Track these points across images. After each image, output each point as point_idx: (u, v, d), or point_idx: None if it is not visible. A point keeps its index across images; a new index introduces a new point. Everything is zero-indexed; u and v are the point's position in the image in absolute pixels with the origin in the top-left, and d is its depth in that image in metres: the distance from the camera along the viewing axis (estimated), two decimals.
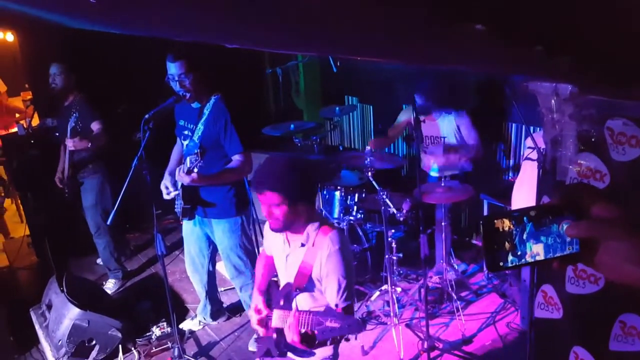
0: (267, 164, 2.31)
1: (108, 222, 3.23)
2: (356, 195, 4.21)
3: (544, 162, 2.58)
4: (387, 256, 3.84)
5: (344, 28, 0.81)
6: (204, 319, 4.11)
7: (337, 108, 4.83)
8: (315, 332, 2.07)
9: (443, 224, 4.05)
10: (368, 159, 3.83)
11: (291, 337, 2.15)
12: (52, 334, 3.69)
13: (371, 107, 6.01)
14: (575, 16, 0.71)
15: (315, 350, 2.37)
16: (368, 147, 3.96)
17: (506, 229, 0.79)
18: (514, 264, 0.80)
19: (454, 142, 4.28)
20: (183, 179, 3.16)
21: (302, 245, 2.36)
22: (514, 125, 4.62)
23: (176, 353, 3.56)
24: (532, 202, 2.89)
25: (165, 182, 3.41)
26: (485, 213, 4.37)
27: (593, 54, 0.84)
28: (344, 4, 0.68)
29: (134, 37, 3.08)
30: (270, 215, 2.29)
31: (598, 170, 2.13)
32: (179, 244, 5.11)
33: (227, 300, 4.37)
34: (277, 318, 2.38)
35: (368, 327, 3.90)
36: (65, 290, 3.76)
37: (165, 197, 3.39)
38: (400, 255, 3.99)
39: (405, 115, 4.56)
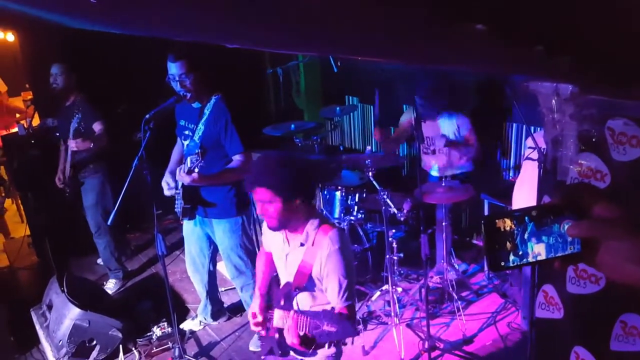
0: (258, 161, 2.31)
1: (109, 222, 3.23)
2: (357, 195, 4.21)
3: (544, 162, 2.58)
4: (387, 256, 3.84)
5: (344, 28, 0.81)
6: (205, 319, 4.11)
7: (338, 108, 4.83)
8: (314, 335, 2.08)
9: (444, 223, 4.04)
10: (368, 160, 3.84)
11: (290, 339, 2.16)
12: (52, 334, 3.70)
13: (372, 107, 6.01)
14: (575, 16, 0.70)
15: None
16: (368, 148, 3.96)
17: (507, 228, 0.79)
18: (515, 264, 0.80)
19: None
20: (184, 178, 3.16)
21: (302, 244, 2.35)
22: (514, 125, 4.62)
23: (177, 353, 3.56)
24: (532, 202, 2.89)
25: (166, 178, 3.41)
26: (485, 213, 4.36)
27: (593, 53, 0.84)
28: (344, 4, 0.68)
29: (134, 37, 3.08)
30: (265, 212, 2.27)
31: (599, 170, 2.13)
32: (179, 244, 5.11)
33: (227, 300, 4.37)
34: (278, 318, 2.38)
35: (369, 327, 3.90)
36: (65, 290, 3.76)
37: (166, 192, 3.38)
38: (401, 255, 3.98)
39: (407, 116, 4.56)
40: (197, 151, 3.14)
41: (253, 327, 2.47)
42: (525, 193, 3.31)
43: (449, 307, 4.02)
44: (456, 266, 4.35)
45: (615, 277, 0.76)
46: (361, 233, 4.23)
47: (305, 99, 6.72)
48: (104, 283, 4.83)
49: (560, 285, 2.39)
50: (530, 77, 2.17)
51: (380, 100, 3.92)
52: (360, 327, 3.82)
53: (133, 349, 3.86)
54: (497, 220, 0.79)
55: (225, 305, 4.24)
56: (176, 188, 3.36)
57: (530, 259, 0.80)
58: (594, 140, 2.13)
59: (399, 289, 3.95)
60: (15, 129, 5.64)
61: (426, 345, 3.49)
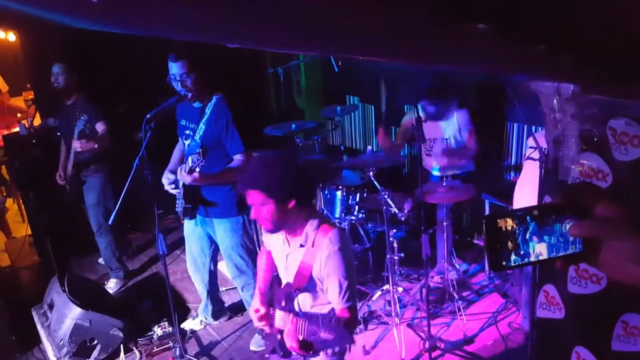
0: (251, 163, 2.30)
1: (109, 222, 3.23)
2: (358, 195, 4.21)
3: (546, 161, 2.58)
4: (388, 256, 3.84)
5: (345, 27, 0.80)
6: (206, 318, 4.12)
7: (339, 108, 4.83)
8: (311, 341, 2.08)
9: (444, 223, 4.04)
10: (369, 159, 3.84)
11: (290, 343, 2.15)
12: (53, 333, 3.70)
13: (372, 106, 6.01)
14: (576, 15, 0.70)
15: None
16: (369, 147, 3.95)
17: (509, 228, 0.79)
18: (517, 264, 0.80)
19: (455, 143, 4.28)
20: (185, 178, 3.16)
21: (302, 245, 2.33)
22: (515, 125, 4.62)
23: (178, 353, 3.56)
24: (533, 202, 2.89)
25: (167, 174, 3.41)
26: (487, 213, 4.36)
27: (595, 53, 0.84)
28: (344, 3, 0.68)
29: (135, 36, 3.08)
30: (259, 216, 2.22)
31: (600, 170, 2.13)
32: (180, 244, 5.11)
33: (228, 299, 4.37)
34: (279, 319, 2.37)
35: (370, 326, 3.90)
36: (66, 289, 3.76)
37: (167, 187, 3.38)
38: (402, 255, 3.98)
39: (409, 117, 4.56)
40: (198, 151, 3.14)
41: (256, 323, 2.45)
42: (526, 193, 3.31)
43: (450, 307, 4.02)
44: (457, 266, 4.35)
45: (616, 277, 0.76)
46: (362, 233, 4.23)
47: (306, 98, 6.72)
48: (105, 282, 4.83)
49: (562, 285, 2.39)
50: (531, 77, 2.17)
51: (381, 100, 3.93)
52: (361, 326, 3.82)
53: (134, 348, 3.86)
54: (498, 220, 0.79)
55: (226, 305, 4.25)
56: (177, 187, 3.36)
57: (532, 259, 0.80)
58: (595, 140, 2.12)
59: (400, 289, 3.94)
60: (17, 129, 5.64)
61: (427, 345, 3.49)
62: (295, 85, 6.78)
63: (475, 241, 4.99)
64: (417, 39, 0.85)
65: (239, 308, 4.22)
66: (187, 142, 3.39)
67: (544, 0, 0.68)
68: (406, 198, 3.93)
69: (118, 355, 3.77)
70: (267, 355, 2.57)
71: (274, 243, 2.50)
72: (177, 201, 3.41)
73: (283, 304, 2.36)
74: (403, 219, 3.87)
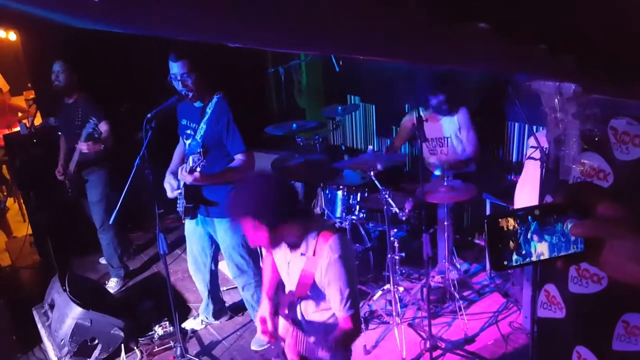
0: (236, 191, 2.26)
1: (110, 221, 3.23)
2: (358, 194, 4.21)
3: (547, 161, 2.58)
4: (389, 255, 3.83)
5: (345, 27, 0.80)
6: (207, 318, 4.12)
7: (340, 107, 4.83)
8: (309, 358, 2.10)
9: (445, 223, 4.04)
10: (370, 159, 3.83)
11: (290, 356, 2.18)
12: (54, 333, 3.70)
13: (373, 106, 6.01)
14: (576, 15, 0.70)
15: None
16: (370, 147, 3.95)
17: (511, 228, 0.79)
18: (518, 263, 0.80)
19: (456, 142, 4.29)
20: (185, 178, 3.16)
21: (302, 254, 2.31)
22: (516, 124, 4.61)
23: (178, 352, 3.56)
24: (534, 202, 2.89)
25: (169, 180, 3.42)
26: (487, 212, 4.36)
27: (596, 52, 0.84)
28: (344, 3, 0.68)
29: (136, 36, 3.08)
30: (255, 241, 2.22)
31: (601, 169, 2.13)
32: (181, 243, 5.12)
33: (229, 299, 4.37)
34: (282, 327, 2.37)
35: (370, 326, 3.90)
36: (67, 289, 3.76)
37: (169, 194, 3.39)
38: (403, 254, 3.98)
39: (408, 118, 4.57)
40: (199, 150, 3.14)
41: (261, 335, 2.43)
42: (527, 192, 3.31)
43: (451, 306, 4.02)
44: (458, 265, 4.35)
45: (617, 277, 0.76)
46: (363, 232, 4.23)
47: (307, 98, 6.72)
48: (106, 282, 4.84)
49: (562, 284, 2.39)
50: (532, 77, 2.17)
51: (382, 99, 3.93)
52: (362, 326, 3.82)
53: (135, 348, 3.87)
54: (500, 220, 0.79)
55: (227, 305, 4.25)
56: (178, 187, 3.36)
57: (534, 259, 0.80)
58: (596, 139, 2.12)
59: (401, 289, 3.95)
60: (18, 128, 5.64)
61: (428, 345, 3.49)
62: (296, 84, 6.77)
63: (476, 241, 4.99)
64: (417, 39, 0.85)
65: (239, 307, 4.22)
66: (188, 142, 3.39)
67: (545, 0, 0.68)
68: (407, 198, 3.93)
69: (119, 355, 3.77)
70: (273, 359, 2.57)
71: (276, 249, 2.48)
72: (178, 201, 3.41)
73: (286, 311, 2.36)
74: (404, 218, 3.87)
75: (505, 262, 0.80)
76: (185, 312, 4.34)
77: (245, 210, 2.15)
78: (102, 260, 5.19)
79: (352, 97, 6.26)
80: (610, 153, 2.07)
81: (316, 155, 4.57)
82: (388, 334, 3.77)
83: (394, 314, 3.73)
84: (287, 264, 2.38)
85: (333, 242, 2.22)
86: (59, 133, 4.70)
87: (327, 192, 4.33)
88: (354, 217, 4.16)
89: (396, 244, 3.92)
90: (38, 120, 5.51)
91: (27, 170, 5.29)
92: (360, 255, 4.17)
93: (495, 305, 4.03)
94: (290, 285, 2.40)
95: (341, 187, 4.25)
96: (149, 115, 3.05)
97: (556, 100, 2.17)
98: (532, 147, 3.01)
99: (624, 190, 2.07)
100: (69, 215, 5.06)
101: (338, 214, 4.21)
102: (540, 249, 0.79)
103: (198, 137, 3.29)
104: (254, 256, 3.61)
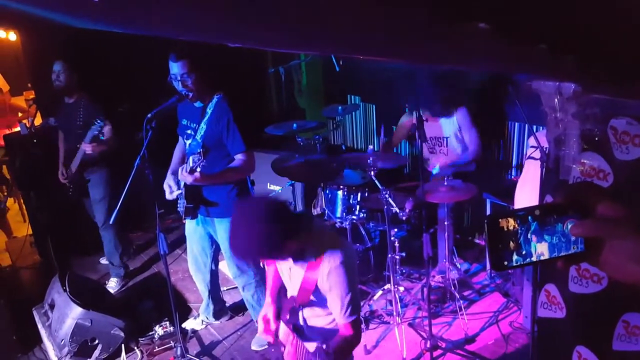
0: (233, 222, 2.19)
1: (111, 221, 3.24)
2: (359, 194, 4.21)
3: (547, 161, 2.58)
4: (389, 255, 3.83)
5: (345, 27, 0.80)
6: (207, 318, 4.12)
7: (340, 107, 4.83)
8: None
9: (446, 223, 4.04)
10: (371, 158, 3.83)
11: None
12: (54, 333, 3.70)
13: (374, 106, 6.01)
14: (576, 15, 0.70)
15: None
16: (370, 147, 3.95)
17: (511, 228, 0.79)
18: (519, 263, 0.80)
19: (455, 142, 4.28)
20: (186, 178, 3.16)
21: (304, 261, 2.28)
22: (516, 124, 4.61)
23: (179, 352, 3.56)
24: (535, 202, 2.89)
25: (169, 181, 3.42)
26: (488, 212, 4.36)
27: (596, 52, 0.84)
28: (345, 3, 0.68)
29: (136, 36, 3.08)
30: (265, 263, 2.28)
31: (601, 169, 2.13)
32: (181, 243, 5.12)
33: (229, 299, 4.37)
34: (283, 333, 2.36)
35: (371, 326, 3.90)
36: (67, 289, 3.76)
37: (168, 196, 3.40)
38: (403, 254, 3.98)
39: (407, 118, 4.56)
40: (199, 150, 3.14)
41: (262, 334, 2.42)
42: (527, 192, 3.31)
43: (451, 306, 4.02)
44: (458, 265, 4.34)
45: (618, 277, 0.76)
46: (363, 232, 4.23)
47: (307, 98, 6.72)
48: (106, 282, 4.84)
49: (563, 284, 2.39)
50: (532, 76, 2.17)
51: (382, 99, 3.93)
52: (363, 326, 3.82)
53: (135, 348, 3.87)
54: (500, 220, 0.79)
55: (227, 305, 4.25)
56: (178, 188, 3.36)
57: (534, 259, 0.80)
58: (596, 139, 2.12)
59: (401, 288, 3.95)
60: (18, 128, 5.64)
61: (428, 345, 3.49)
62: (297, 84, 6.77)
63: (477, 240, 4.99)
64: (417, 39, 0.85)
65: (240, 308, 4.22)
66: (188, 142, 3.39)
67: (545, 0, 0.68)
68: (407, 197, 3.93)
69: (119, 355, 3.77)
70: None
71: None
72: (178, 201, 3.41)
73: (287, 317, 2.35)
74: (404, 218, 3.87)
75: (506, 263, 0.80)
76: (185, 312, 4.34)
77: (245, 253, 2.16)
78: (103, 260, 5.20)
79: (353, 97, 6.26)
80: (610, 153, 2.07)
81: (316, 155, 4.57)
82: (388, 334, 3.77)
83: (395, 313, 3.73)
84: (289, 270, 2.37)
85: (335, 247, 2.21)
86: (60, 132, 4.71)
87: (327, 192, 4.33)
88: (354, 217, 4.16)
89: (396, 244, 3.92)
90: (38, 121, 5.51)
91: (27, 170, 5.29)
92: (361, 255, 4.17)
93: (495, 305, 4.03)
94: (292, 291, 2.39)
95: (341, 187, 4.25)
96: (149, 115, 3.05)
97: (556, 100, 2.17)
98: (532, 146, 3.01)
99: (624, 190, 2.07)
100: (69, 215, 5.06)
101: (338, 214, 4.22)
102: (541, 249, 0.79)
103: (198, 137, 3.29)
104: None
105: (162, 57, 3.21)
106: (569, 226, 0.78)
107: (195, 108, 3.35)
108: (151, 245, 5.60)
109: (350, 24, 0.78)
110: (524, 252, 0.79)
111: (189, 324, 4.12)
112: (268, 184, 5.38)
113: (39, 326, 3.95)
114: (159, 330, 3.90)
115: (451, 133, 4.26)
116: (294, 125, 4.61)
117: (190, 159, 3.16)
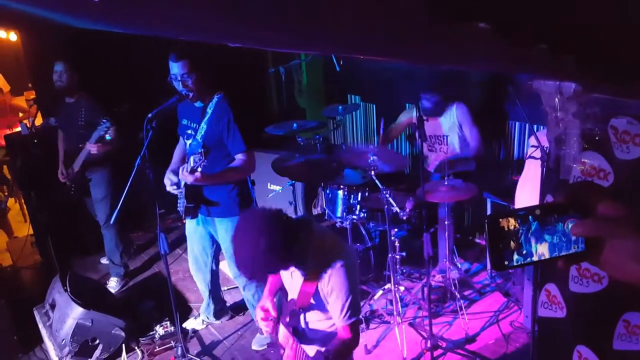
0: (236, 245, 2.13)
1: (112, 221, 3.24)
2: (359, 194, 4.21)
3: (547, 160, 2.57)
4: (390, 255, 3.83)
5: (345, 27, 0.80)
6: (207, 318, 4.12)
7: (340, 107, 4.83)
8: None
9: (446, 222, 4.04)
10: (371, 158, 3.83)
11: None
12: (55, 333, 3.70)
13: (374, 105, 6.01)
14: (576, 15, 0.70)
15: None
16: (370, 147, 3.95)
17: (511, 227, 0.79)
18: (519, 263, 0.80)
19: (455, 140, 4.29)
20: (187, 178, 3.16)
21: (305, 265, 2.28)
22: (517, 123, 4.61)
23: (179, 352, 3.57)
24: (535, 201, 2.89)
25: (169, 175, 3.41)
26: (488, 212, 4.36)
27: (596, 52, 0.84)
28: (345, 3, 0.68)
29: (136, 36, 3.08)
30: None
31: (602, 168, 2.12)
32: (181, 243, 5.12)
33: (230, 299, 4.37)
34: (283, 336, 2.35)
35: (371, 325, 3.90)
36: (68, 289, 3.77)
37: (169, 188, 3.38)
38: (404, 254, 3.98)
39: (407, 116, 4.57)
40: (199, 150, 3.14)
41: (260, 322, 2.40)
42: (527, 192, 3.31)
43: (452, 305, 4.02)
44: (459, 265, 4.35)
45: (618, 276, 0.75)
46: (363, 232, 4.23)
47: (308, 97, 6.72)
48: (107, 282, 4.84)
49: (563, 284, 2.39)
50: (533, 76, 2.17)
51: (382, 99, 3.93)
52: (363, 325, 3.82)
53: (136, 347, 3.87)
54: (500, 219, 0.79)
55: (227, 304, 4.25)
56: (179, 187, 3.36)
57: (535, 258, 0.79)
58: (597, 138, 2.12)
59: (402, 288, 3.95)
60: (18, 129, 5.64)
61: (428, 344, 3.49)
62: (297, 84, 6.77)
63: (477, 240, 5.00)
64: (417, 39, 0.85)
65: (240, 307, 4.22)
66: (188, 142, 3.39)
67: (545, 0, 0.68)
68: (408, 197, 3.93)
69: (120, 355, 3.77)
70: None
71: None
72: (178, 201, 3.41)
73: (288, 319, 2.35)
74: (405, 218, 3.87)
75: (506, 262, 0.79)
76: (186, 311, 4.34)
77: (254, 272, 2.13)
78: (103, 260, 5.20)
79: (353, 96, 6.26)
80: (610, 152, 2.07)
81: (317, 155, 4.57)
82: (389, 334, 3.77)
83: (395, 313, 3.73)
84: (290, 274, 2.36)
85: (335, 250, 2.22)
86: (60, 132, 4.71)
87: (327, 191, 4.33)
88: (354, 217, 4.16)
89: (397, 244, 3.92)
90: (39, 121, 5.51)
91: (28, 170, 5.30)
92: (361, 255, 4.17)
93: (496, 304, 4.03)
94: (292, 294, 2.39)
95: (342, 186, 4.25)
96: (149, 115, 3.05)
97: (556, 99, 2.17)
98: (532, 146, 3.01)
99: (624, 189, 2.07)
100: (70, 215, 5.06)
101: (339, 214, 4.22)
102: (541, 249, 0.79)
103: (199, 137, 3.29)
104: None
105: (162, 57, 3.21)
106: (570, 226, 0.78)
107: (196, 108, 3.35)
108: (152, 245, 5.60)
109: (350, 24, 0.78)
110: (524, 252, 0.79)
111: (189, 324, 4.12)
112: (268, 184, 5.38)
113: (40, 326, 3.95)
114: (159, 330, 3.90)
115: (451, 131, 4.26)
116: (294, 125, 4.61)
117: (191, 158, 3.16)
